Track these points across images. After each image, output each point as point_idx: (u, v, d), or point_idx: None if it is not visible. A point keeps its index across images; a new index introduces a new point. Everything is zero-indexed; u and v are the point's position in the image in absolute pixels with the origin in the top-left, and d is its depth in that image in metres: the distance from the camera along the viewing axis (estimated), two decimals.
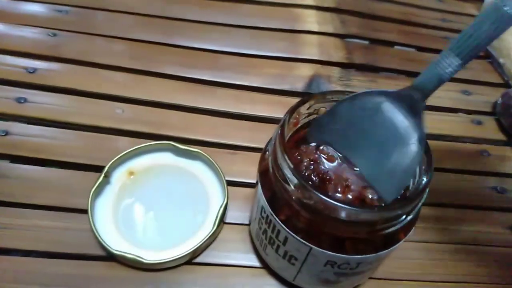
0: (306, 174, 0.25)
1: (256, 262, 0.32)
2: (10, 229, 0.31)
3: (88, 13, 0.47)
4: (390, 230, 0.24)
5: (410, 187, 0.25)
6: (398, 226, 0.24)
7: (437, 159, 0.41)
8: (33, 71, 0.41)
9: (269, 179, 0.26)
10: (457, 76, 0.49)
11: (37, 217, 0.32)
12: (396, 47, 0.51)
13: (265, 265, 0.32)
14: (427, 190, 0.24)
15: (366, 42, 0.51)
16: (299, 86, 0.45)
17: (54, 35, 0.44)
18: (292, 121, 0.27)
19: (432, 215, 0.37)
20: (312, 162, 0.26)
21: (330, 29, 0.50)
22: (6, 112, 0.38)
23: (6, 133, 0.36)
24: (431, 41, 0.52)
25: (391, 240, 0.25)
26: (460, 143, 0.43)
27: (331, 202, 0.22)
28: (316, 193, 0.22)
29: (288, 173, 0.23)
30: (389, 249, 0.25)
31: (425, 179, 0.24)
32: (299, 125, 0.28)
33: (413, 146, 0.24)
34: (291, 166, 0.23)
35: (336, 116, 0.26)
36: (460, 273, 0.34)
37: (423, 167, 0.25)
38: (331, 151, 0.27)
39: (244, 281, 0.31)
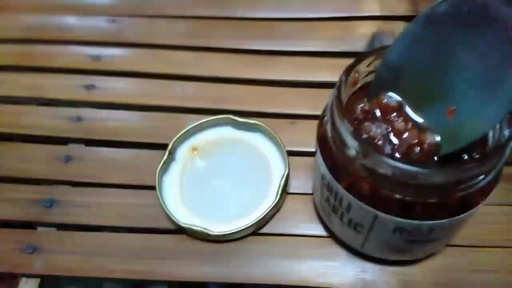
0: (367, 135, 0.24)
1: (322, 231, 0.31)
2: (89, 207, 0.34)
3: None
4: (467, 192, 0.22)
5: (490, 142, 0.23)
6: (475, 188, 0.22)
7: None
8: (98, 58, 0.43)
9: (328, 145, 0.24)
10: None
11: (112, 195, 0.34)
12: None
13: (331, 234, 0.31)
14: (509, 147, 0.22)
15: None
16: (360, 46, 0.42)
17: (114, 21, 0.45)
18: (350, 81, 0.25)
19: None
20: (371, 121, 0.24)
21: None
22: (77, 99, 0.40)
23: (79, 119, 0.39)
24: None
25: (468, 204, 0.23)
26: None
27: (395, 164, 0.20)
28: (378, 155, 0.21)
29: (348, 137, 0.22)
30: (466, 214, 0.23)
31: (507, 133, 0.21)
32: (358, 85, 0.26)
33: None
34: (351, 129, 0.22)
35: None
36: None
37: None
38: (392, 101, 0.25)
39: (312, 251, 0.31)
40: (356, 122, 0.25)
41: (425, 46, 0.24)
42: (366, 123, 0.24)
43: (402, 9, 0.44)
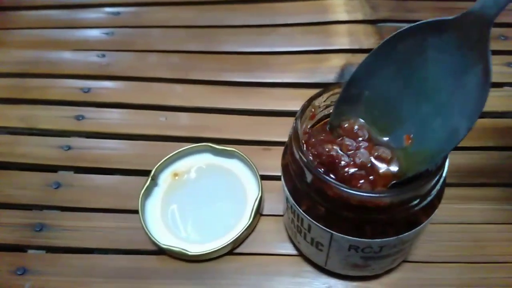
0: (322, 163, 0.27)
1: (292, 250, 0.34)
2: (76, 231, 0.36)
3: (130, 32, 0.51)
4: (410, 212, 0.25)
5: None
6: (416, 209, 0.25)
7: (480, 137, 0.40)
8: (88, 90, 0.46)
9: (289, 172, 0.27)
10: (499, 47, 0.47)
11: (98, 219, 0.37)
12: None
13: (299, 253, 0.33)
14: (444, 171, 0.25)
15: (400, 25, 0.50)
16: (331, 77, 0.45)
17: (103, 56, 0.49)
18: (308, 114, 0.28)
19: (476, 196, 0.36)
20: (327, 151, 0.27)
21: (359, 17, 0.50)
22: (67, 129, 0.43)
23: (69, 147, 0.42)
24: None
25: (413, 223, 0.26)
26: (506, 119, 0.42)
27: (344, 190, 0.23)
28: (327, 183, 0.24)
29: (304, 167, 0.25)
30: (412, 232, 0.26)
31: (437, 163, 0.24)
32: (316, 118, 0.29)
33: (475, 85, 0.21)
34: (305, 160, 0.25)
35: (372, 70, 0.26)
36: (506, 254, 0.33)
37: None
38: (355, 128, 0.27)
39: (283, 269, 0.33)
40: (318, 149, 0.28)
41: (384, 75, 0.25)
42: (329, 147, 0.27)
43: (370, 43, 0.48)
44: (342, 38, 0.48)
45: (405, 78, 0.25)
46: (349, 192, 0.23)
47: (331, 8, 0.51)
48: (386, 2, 0.52)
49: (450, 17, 0.22)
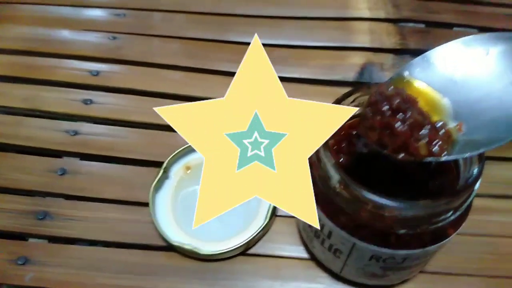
0: (349, 164, 0.25)
1: (305, 254, 0.33)
2: (81, 221, 0.35)
3: (144, 14, 0.49)
4: (438, 225, 0.23)
5: (460, 181, 0.25)
6: (447, 221, 0.23)
7: (502, 147, 0.39)
8: (97, 73, 0.44)
9: (312, 174, 0.26)
10: None
11: (105, 210, 0.35)
12: (455, 28, 0.48)
13: (313, 257, 0.32)
14: (478, 184, 0.24)
15: (422, 26, 0.48)
16: (350, 76, 0.44)
17: (114, 38, 0.47)
18: None
19: (497, 208, 0.35)
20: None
21: (382, 15, 0.48)
22: (74, 113, 0.41)
23: (76, 132, 0.40)
24: (493, 20, 0.48)
25: (440, 236, 0.25)
26: None
27: (374, 199, 0.22)
28: (359, 189, 0.22)
29: (330, 170, 0.24)
30: (437, 245, 0.25)
31: (476, 171, 0.23)
32: None
33: None
34: (332, 162, 0.23)
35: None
36: None
37: (473, 158, 0.24)
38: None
39: (296, 273, 0.32)
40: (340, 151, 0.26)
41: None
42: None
43: (391, 42, 0.46)
44: (363, 36, 0.47)
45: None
46: (379, 200, 0.22)
47: (353, 4, 0.50)
48: (409, 1, 0.50)
49: None
